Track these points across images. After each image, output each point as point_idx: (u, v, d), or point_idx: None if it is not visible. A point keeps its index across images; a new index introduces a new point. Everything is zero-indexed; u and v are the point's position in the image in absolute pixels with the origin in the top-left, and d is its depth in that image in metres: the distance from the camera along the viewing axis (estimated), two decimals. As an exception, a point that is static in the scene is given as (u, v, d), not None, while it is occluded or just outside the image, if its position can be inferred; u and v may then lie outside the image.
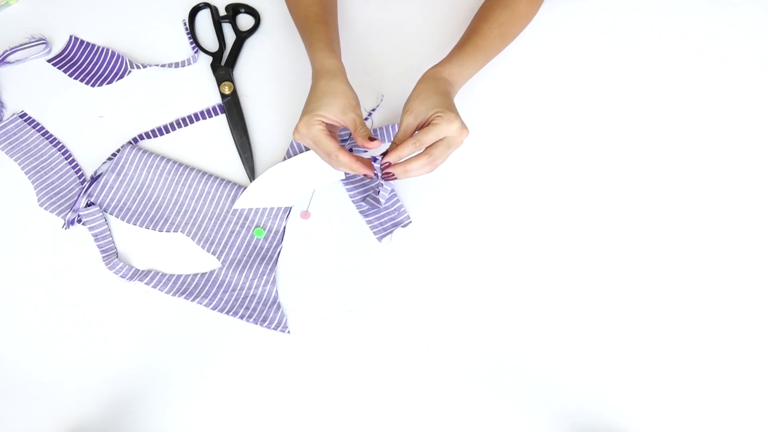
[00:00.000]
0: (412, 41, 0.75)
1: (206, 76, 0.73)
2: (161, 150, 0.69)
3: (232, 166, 0.68)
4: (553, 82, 0.72)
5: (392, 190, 0.64)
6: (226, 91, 0.71)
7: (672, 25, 0.75)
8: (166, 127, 0.70)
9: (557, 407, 0.57)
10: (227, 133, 0.70)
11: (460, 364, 0.59)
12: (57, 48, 0.75)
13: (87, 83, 0.73)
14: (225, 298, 0.61)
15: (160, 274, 0.62)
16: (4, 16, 0.77)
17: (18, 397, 0.58)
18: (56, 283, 0.62)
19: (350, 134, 0.69)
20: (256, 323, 0.60)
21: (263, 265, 0.63)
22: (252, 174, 0.68)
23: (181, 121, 0.71)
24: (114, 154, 0.68)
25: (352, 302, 0.61)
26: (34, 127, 0.70)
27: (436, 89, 0.58)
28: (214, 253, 0.64)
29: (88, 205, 0.65)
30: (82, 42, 0.75)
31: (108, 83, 0.73)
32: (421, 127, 0.57)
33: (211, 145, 0.70)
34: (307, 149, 0.68)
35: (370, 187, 0.66)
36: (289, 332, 0.60)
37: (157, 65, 0.73)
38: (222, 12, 0.77)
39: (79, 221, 0.65)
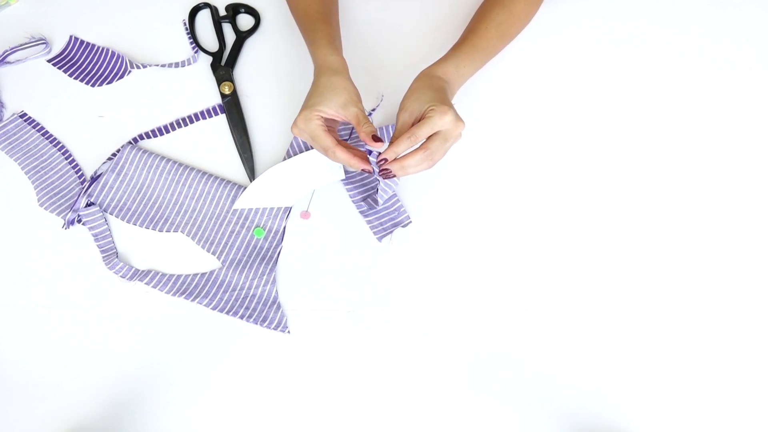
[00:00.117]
0: (412, 41, 0.75)
1: (206, 76, 0.73)
2: (161, 150, 0.69)
3: (232, 166, 0.68)
4: (553, 82, 0.72)
5: (394, 193, 0.64)
6: (226, 91, 0.71)
7: (672, 25, 0.75)
8: (166, 127, 0.70)
9: (557, 407, 0.57)
10: (227, 133, 0.70)
11: (460, 364, 0.59)
12: (57, 48, 0.75)
13: (87, 83, 0.73)
14: (225, 298, 0.61)
15: (160, 274, 0.62)
16: (4, 16, 0.77)
17: (18, 397, 0.58)
18: (56, 283, 0.62)
19: (351, 130, 0.69)
20: (256, 323, 0.60)
21: (263, 265, 0.63)
22: (252, 174, 0.68)
23: (181, 121, 0.71)
24: (114, 154, 0.68)
25: (352, 302, 0.61)
26: (34, 127, 0.70)
27: (430, 86, 0.58)
28: (214, 253, 0.64)
29: (88, 205, 0.65)
30: (82, 42, 0.75)
31: (108, 83, 0.73)
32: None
33: (211, 145, 0.70)
34: (307, 149, 0.68)
35: (371, 187, 0.66)
36: (289, 332, 0.60)
37: (157, 65, 0.73)
38: (222, 12, 0.77)
39: (79, 221, 0.65)
